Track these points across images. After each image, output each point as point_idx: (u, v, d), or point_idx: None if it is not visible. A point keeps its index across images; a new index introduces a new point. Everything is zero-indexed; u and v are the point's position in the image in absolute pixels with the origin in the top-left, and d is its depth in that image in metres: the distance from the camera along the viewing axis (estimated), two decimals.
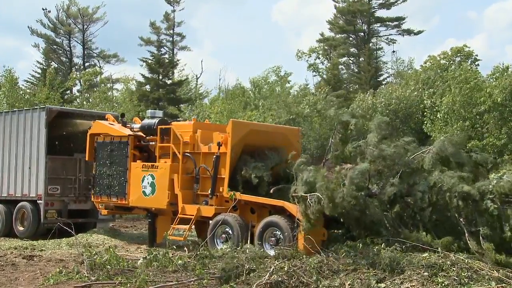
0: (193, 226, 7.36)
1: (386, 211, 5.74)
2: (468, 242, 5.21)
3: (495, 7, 45.40)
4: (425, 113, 15.27)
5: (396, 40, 28.10)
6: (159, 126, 7.72)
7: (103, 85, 25.22)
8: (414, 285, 4.46)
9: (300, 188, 5.75)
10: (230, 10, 50.55)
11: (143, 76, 24.79)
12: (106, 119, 8.83)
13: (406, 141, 6.06)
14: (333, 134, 6.72)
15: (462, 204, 5.34)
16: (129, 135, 8.09)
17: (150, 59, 24.75)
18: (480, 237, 5.16)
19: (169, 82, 25.11)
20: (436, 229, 5.54)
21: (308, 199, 5.55)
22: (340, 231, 6.12)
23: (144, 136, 8.10)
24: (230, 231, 6.57)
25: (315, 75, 28.71)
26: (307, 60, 28.60)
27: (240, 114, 17.21)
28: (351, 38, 28.13)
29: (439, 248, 5.07)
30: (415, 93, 16.93)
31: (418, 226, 5.55)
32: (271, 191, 6.46)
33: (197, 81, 29.38)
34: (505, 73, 15.21)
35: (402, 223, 5.67)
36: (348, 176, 5.55)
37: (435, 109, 14.73)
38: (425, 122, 14.75)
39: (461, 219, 5.41)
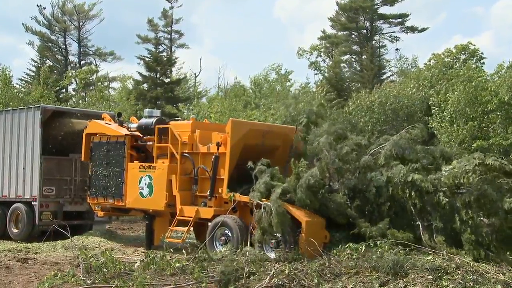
0: (191, 228, 7.25)
1: (349, 206, 5.93)
2: (422, 235, 5.34)
3: (502, 4, 44.87)
4: (432, 111, 15.15)
5: (399, 38, 27.87)
6: (156, 126, 7.62)
7: (100, 83, 25.01)
8: None
9: (256, 194, 5.88)
10: (231, 6, 50.32)
11: (140, 74, 24.58)
12: (103, 119, 8.72)
13: (356, 141, 6.22)
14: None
15: (415, 194, 5.50)
16: (126, 135, 7.99)
17: (147, 57, 24.54)
18: (433, 231, 5.28)
19: (167, 80, 24.92)
20: (394, 223, 5.68)
21: (262, 207, 5.68)
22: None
23: (142, 136, 8.00)
24: (229, 233, 6.49)
25: (316, 74, 28.58)
26: (308, 58, 28.49)
27: (241, 114, 17.07)
28: (353, 36, 27.78)
29: (444, 251, 5.05)
30: (414, 89, 16.84)
31: (377, 221, 5.71)
32: (239, 192, 6.47)
33: (195, 80, 29.26)
34: (510, 71, 15.14)
35: (365, 218, 5.81)
36: (303, 180, 5.74)
37: (441, 108, 14.61)
38: (432, 121, 14.64)
39: (417, 212, 5.56)
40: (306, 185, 5.74)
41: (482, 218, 5.30)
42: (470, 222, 5.23)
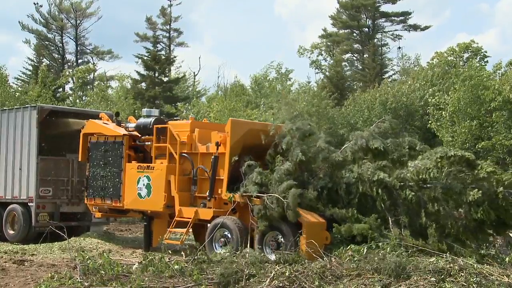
0: (190, 230, 7.18)
1: (321, 202, 6.09)
2: (391, 230, 5.49)
3: (508, 0, 44.69)
4: (429, 110, 15.10)
5: (402, 36, 27.87)
6: (155, 126, 7.55)
7: (100, 83, 24.87)
8: None
9: (252, 188, 6.00)
10: (231, 3, 50.10)
11: (139, 73, 24.46)
12: (100, 118, 8.63)
13: (325, 138, 6.42)
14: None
15: (382, 192, 5.67)
16: (123, 134, 7.91)
17: (145, 56, 24.42)
18: (401, 225, 5.47)
19: (165, 79, 24.80)
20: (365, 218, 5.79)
21: (266, 200, 5.79)
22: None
23: (140, 135, 7.92)
24: (229, 235, 6.43)
25: (317, 72, 28.55)
26: (309, 57, 28.41)
27: (241, 113, 17.00)
28: (355, 34, 27.68)
29: (449, 253, 5.00)
30: (411, 87, 16.79)
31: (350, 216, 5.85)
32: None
33: (194, 79, 29.17)
34: (510, 69, 15.08)
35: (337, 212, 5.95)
36: (274, 176, 5.99)
37: (439, 107, 14.56)
38: (430, 121, 14.60)
39: (386, 208, 5.73)
40: (278, 181, 5.93)
41: (454, 211, 5.40)
42: (436, 215, 5.32)
